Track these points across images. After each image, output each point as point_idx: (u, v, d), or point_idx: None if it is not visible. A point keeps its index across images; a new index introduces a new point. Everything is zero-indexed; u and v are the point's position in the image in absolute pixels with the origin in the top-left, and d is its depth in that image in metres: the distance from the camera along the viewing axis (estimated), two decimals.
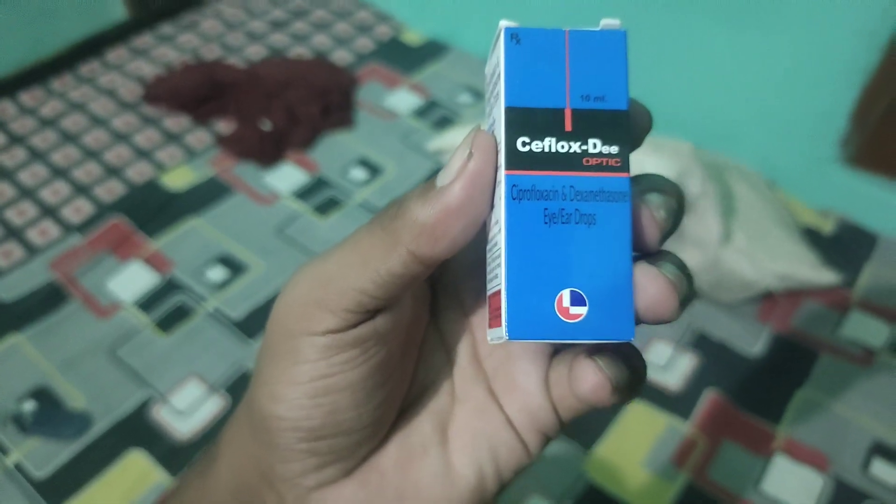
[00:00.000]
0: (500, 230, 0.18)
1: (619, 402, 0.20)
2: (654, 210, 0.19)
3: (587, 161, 0.18)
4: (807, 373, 0.78)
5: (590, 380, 0.20)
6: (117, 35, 1.20)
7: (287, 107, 1.05)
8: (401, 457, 0.23)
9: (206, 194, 0.96)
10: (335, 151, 1.02)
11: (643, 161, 0.76)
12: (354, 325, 0.20)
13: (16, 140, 1.03)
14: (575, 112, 0.18)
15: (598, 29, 0.19)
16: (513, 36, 0.19)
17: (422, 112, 1.08)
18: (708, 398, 0.76)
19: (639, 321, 0.19)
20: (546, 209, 0.18)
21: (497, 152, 0.18)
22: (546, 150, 0.18)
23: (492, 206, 0.19)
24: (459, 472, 0.22)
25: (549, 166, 0.18)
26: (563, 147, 0.18)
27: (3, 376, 0.77)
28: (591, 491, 0.69)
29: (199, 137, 1.04)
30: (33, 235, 0.91)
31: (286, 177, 0.99)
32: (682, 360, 0.79)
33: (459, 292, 0.23)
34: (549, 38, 0.19)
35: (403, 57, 1.18)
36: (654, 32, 0.96)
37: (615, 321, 0.18)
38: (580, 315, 0.18)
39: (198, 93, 1.07)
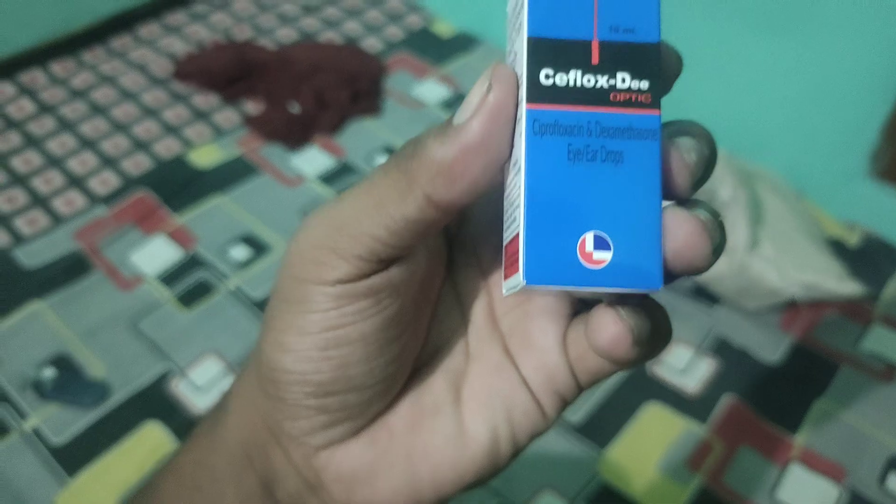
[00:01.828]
0: (519, 170, 0.17)
1: (639, 357, 0.19)
2: (685, 153, 0.18)
3: (615, 96, 0.17)
4: (826, 384, 0.78)
5: (609, 329, 0.18)
6: (150, 11, 1.20)
7: (316, 91, 1.05)
8: (412, 416, 0.22)
9: (233, 173, 0.96)
10: (362, 138, 1.03)
11: None
12: (367, 275, 0.19)
13: (45, 109, 1.03)
14: (603, 44, 0.17)
15: None
16: None
17: (450, 104, 1.08)
18: (726, 403, 0.76)
19: (668, 271, 0.17)
20: (570, 145, 0.17)
21: (518, 86, 0.17)
22: (571, 83, 0.17)
23: (511, 147, 0.18)
24: (472, 434, 0.21)
25: (575, 100, 0.17)
26: (589, 81, 0.17)
27: (24, 342, 0.77)
28: (605, 491, 0.69)
29: (227, 116, 1.05)
30: (59, 205, 0.92)
31: (312, 160, 0.99)
32: (701, 365, 0.78)
33: (477, 249, 0.23)
34: None
35: (433, 48, 1.18)
36: (688, 40, 0.96)
37: (642, 268, 0.17)
38: (604, 261, 0.17)
39: (228, 72, 1.07)
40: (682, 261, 0.17)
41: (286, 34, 1.20)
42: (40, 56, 1.11)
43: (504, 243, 0.19)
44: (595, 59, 0.17)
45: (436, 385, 0.22)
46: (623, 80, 0.17)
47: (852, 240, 0.91)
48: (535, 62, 0.17)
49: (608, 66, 0.17)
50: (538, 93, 0.17)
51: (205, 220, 0.90)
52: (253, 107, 1.06)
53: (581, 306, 0.22)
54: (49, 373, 0.74)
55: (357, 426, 0.21)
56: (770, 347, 0.80)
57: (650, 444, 0.72)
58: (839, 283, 0.78)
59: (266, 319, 0.21)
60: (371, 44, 1.19)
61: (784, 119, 0.94)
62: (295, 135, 1.01)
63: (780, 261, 0.78)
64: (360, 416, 0.21)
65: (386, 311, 0.19)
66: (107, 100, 1.06)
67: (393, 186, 0.18)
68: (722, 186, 0.77)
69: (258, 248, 0.88)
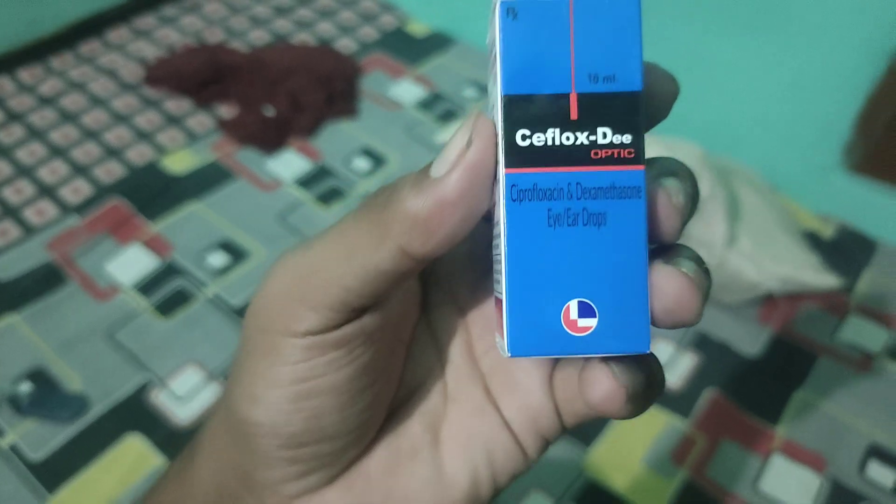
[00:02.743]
0: (500, 234, 0.17)
1: (632, 412, 0.18)
2: (674, 196, 0.17)
3: (596, 154, 0.16)
4: (805, 375, 0.79)
5: (602, 387, 0.17)
6: (119, 15, 1.18)
7: (290, 93, 1.04)
8: (389, 461, 0.21)
9: (208, 179, 0.95)
10: (338, 140, 1.02)
11: None
12: (338, 325, 0.18)
13: (14, 117, 1.01)
14: (581, 97, 0.16)
15: None
16: (509, 10, 0.16)
17: (426, 104, 1.07)
18: (708, 397, 0.76)
19: (657, 326, 0.17)
20: (550, 210, 0.16)
21: (497, 140, 0.17)
22: (549, 143, 0.16)
23: (491, 199, 0.17)
24: (452, 477, 0.21)
25: (553, 162, 0.16)
26: (568, 139, 0.16)
27: None
28: (591, 488, 0.69)
29: (200, 121, 1.03)
30: (30, 215, 0.90)
31: (289, 164, 0.98)
32: (683, 360, 0.79)
33: (453, 286, 0.22)
34: (551, 9, 0.16)
35: (408, 48, 1.17)
36: (662, 39, 0.96)
37: (628, 332, 0.17)
38: (589, 327, 0.16)
39: (200, 76, 1.06)
40: (672, 318, 0.17)
41: (259, 36, 1.18)
42: (7, 63, 1.08)
43: (496, 295, 0.18)
44: (574, 114, 0.16)
45: (413, 427, 0.21)
46: (604, 136, 0.16)
47: (827, 232, 0.93)
48: (511, 123, 0.16)
49: (588, 121, 0.16)
50: (515, 156, 0.16)
51: (181, 228, 0.89)
52: (226, 111, 1.05)
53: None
54: (25, 387, 0.73)
55: (332, 474, 0.21)
56: (749, 341, 0.81)
57: (634, 440, 0.73)
58: (816, 276, 0.79)
59: (233, 370, 0.20)
60: (345, 45, 1.18)
61: (758, 115, 0.95)
62: (270, 138, 1.00)
63: (758, 255, 0.79)
64: (334, 464, 0.20)
65: (358, 360, 0.19)
66: (77, 106, 1.04)
67: (365, 236, 0.17)
68: (700, 184, 0.77)
69: (236, 254, 0.87)
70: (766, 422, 0.75)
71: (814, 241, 0.90)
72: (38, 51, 1.11)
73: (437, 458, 0.21)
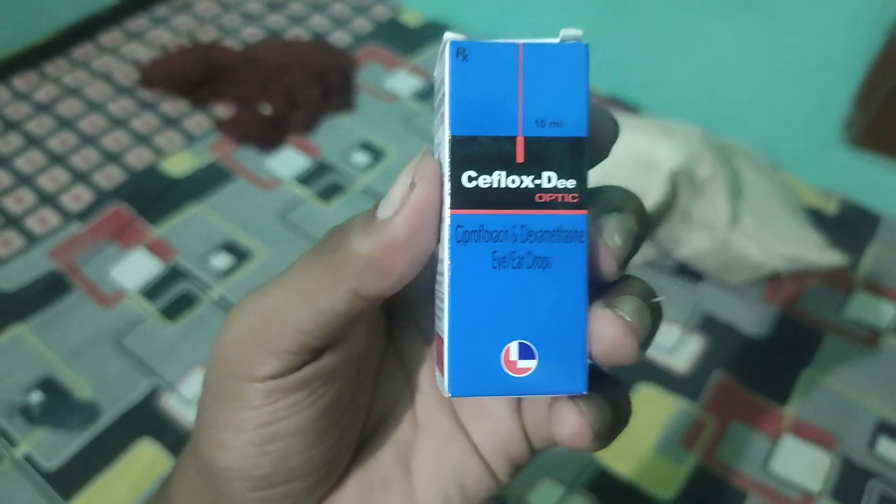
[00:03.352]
0: (443, 274, 0.17)
1: (599, 447, 0.18)
2: (609, 238, 0.17)
3: (540, 197, 0.16)
4: (812, 353, 0.79)
5: (570, 424, 0.18)
6: (111, 17, 1.18)
7: (286, 90, 1.03)
8: (361, 494, 0.21)
9: (207, 180, 0.95)
10: (336, 135, 1.01)
11: (655, 146, 0.76)
12: (299, 367, 0.18)
13: (11, 126, 1.01)
14: (528, 140, 0.16)
15: (556, 41, 0.17)
16: (459, 51, 0.16)
17: (423, 95, 1.07)
18: (716, 380, 0.76)
19: (596, 366, 0.17)
20: (495, 252, 0.16)
21: (442, 181, 0.17)
22: (495, 185, 0.16)
23: (439, 238, 0.17)
24: None
25: (499, 204, 0.16)
26: (514, 182, 0.16)
27: (8, 367, 0.76)
28: (602, 475, 0.70)
29: (197, 122, 1.03)
30: (32, 223, 0.90)
31: (288, 161, 0.98)
32: (689, 343, 0.79)
33: (416, 313, 0.22)
34: (501, 52, 0.16)
35: (402, 38, 1.17)
36: (661, 19, 0.96)
37: (566, 373, 0.17)
38: (528, 369, 0.17)
39: (194, 76, 1.06)
40: (609, 360, 0.17)
41: (252, 33, 1.18)
42: (1, 71, 1.08)
43: (436, 330, 0.19)
44: (520, 157, 0.16)
45: (384, 458, 0.21)
46: (549, 180, 0.16)
47: (830, 208, 0.92)
48: (457, 164, 0.16)
49: (533, 165, 0.16)
50: (461, 197, 0.16)
51: (183, 230, 0.89)
52: (223, 110, 1.04)
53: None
54: (36, 397, 0.73)
55: None
56: (755, 321, 0.81)
57: (643, 425, 0.73)
58: (820, 254, 0.79)
59: (199, 415, 0.20)
60: (339, 38, 1.17)
61: (758, 93, 0.94)
62: (268, 136, 0.99)
63: (761, 235, 0.78)
64: (306, 502, 0.20)
65: (322, 399, 0.19)
66: (73, 112, 1.04)
67: (317, 280, 0.17)
68: (700, 165, 0.77)
69: (239, 255, 0.87)
70: (775, 402, 0.75)
71: (817, 217, 0.90)
72: (32, 57, 1.10)
73: (409, 489, 0.21)
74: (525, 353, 0.17)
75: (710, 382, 0.76)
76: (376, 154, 0.99)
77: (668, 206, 0.78)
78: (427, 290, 0.21)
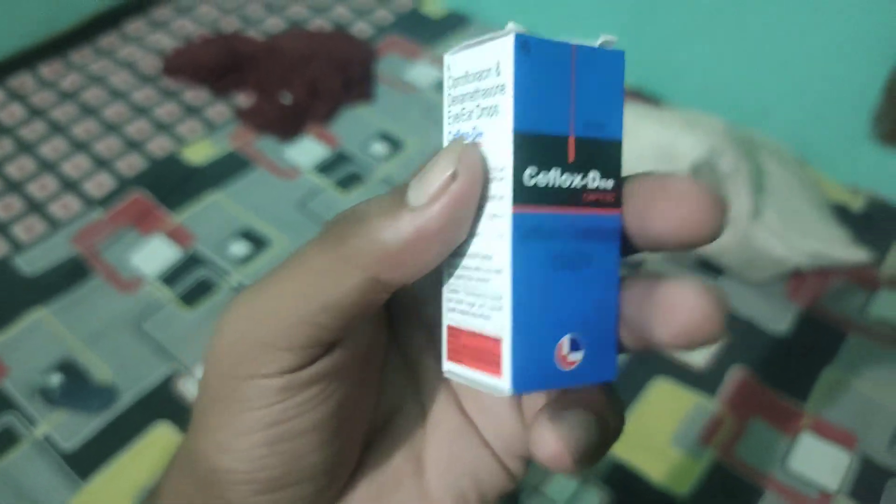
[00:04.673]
0: (501, 272, 0.16)
1: (580, 469, 0.18)
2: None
3: (587, 196, 0.17)
4: (834, 352, 0.77)
5: (549, 447, 0.17)
6: (136, 7, 1.19)
7: (307, 80, 1.03)
8: (372, 495, 0.20)
9: (227, 168, 0.96)
10: (356, 125, 1.02)
11: (676, 139, 0.75)
12: (311, 362, 0.17)
13: (36, 113, 1.03)
14: (578, 140, 0.17)
15: (598, 45, 0.17)
16: (523, 45, 0.16)
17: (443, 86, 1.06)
18: (735, 376, 0.75)
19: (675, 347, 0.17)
20: (551, 250, 0.16)
21: (487, 173, 0.16)
22: (550, 183, 0.16)
23: (472, 232, 0.17)
24: (438, 503, 0.20)
25: (555, 202, 0.16)
26: (566, 180, 0.17)
27: (29, 349, 0.77)
28: (618, 469, 0.69)
29: (218, 111, 1.04)
30: (55, 209, 0.91)
31: (307, 151, 0.98)
32: None
33: (419, 306, 0.21)
34: (557, 51, 0.16)
35: (424, 29, 1.16)
36: (688, 8, 0.94)
37: (601, 363, 0.17)
38: (576, 361, 0.17)
39: (217, 65, 1.06)
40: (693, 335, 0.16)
41: (274, 23, 1.18)
42: (28, 59, 1.09)
43: (450, 323, 0.18)
44: (571, 157, 0.17)
45: (395, 457, 0.21)
46: (594, 180, 0.17)
47: (856, 204, 0.91)
48: (520, 159, 0.16)
49: (582, 164, 0.17)
50: (524, 194, 0.16)
51: (202, 218, 0.90)
52: (244, 99, 1.05)
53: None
54: (56, 379, 0.74)
55: None
56: (777, 318, 0.80)
57: (661, 420, 0.72)
58: (845, 250, 0.78)
59: (196, 419, 0.19)
60: (360, 28, 1.17)
61: (784, 85, 0.93)
62: (288, 126, 1.00)
63: (785, 230, 0.77)
64: None
65: (333, 396, 0.18)
66: (97, 100, 1.05)
67: (331, 269, 0.16)
68: (723, 158, 0.76)
69: (258, 242, 0.87)
70: (795, 400, 0.74)
71: (842, 213, 0.88)
72: (58, 46, 1.12)
73: (422, 487, 0.20)
74: (574, 346, 0.17)
75: (728, 378, 0.75)
76: (395, 145, 0.99)
77: None
78: (430, 281, 0.20)
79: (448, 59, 0.18)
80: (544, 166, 0.16)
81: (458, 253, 0.18)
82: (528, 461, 0.21)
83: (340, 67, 1.06)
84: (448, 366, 0.18)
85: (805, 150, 0.93)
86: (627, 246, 0.18)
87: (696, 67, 0.97)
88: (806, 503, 0.67)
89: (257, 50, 1.08)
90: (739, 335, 0.79)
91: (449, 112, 0.18)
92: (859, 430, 0.71)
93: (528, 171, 0.16)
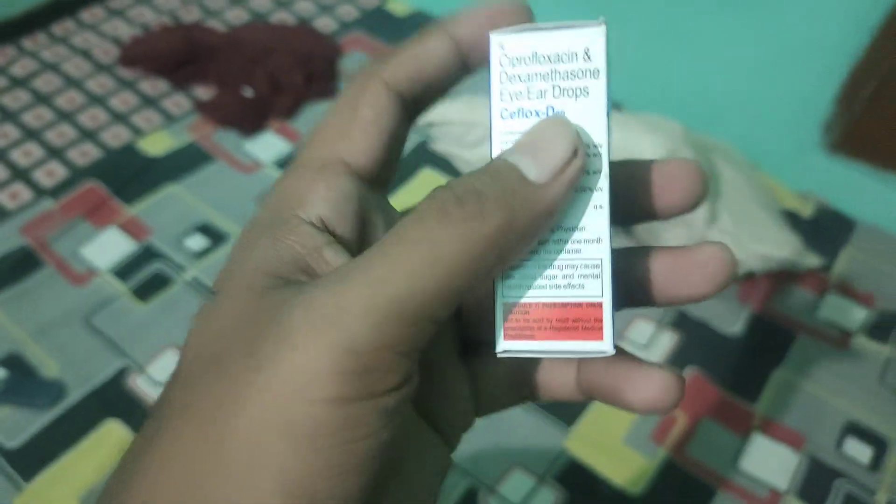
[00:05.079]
0: (595, 240, 0.18)
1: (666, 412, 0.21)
2: None
3: None
4: (784, 353, 0.79)
5: (655, 387, 0.20)
6: None
7: (269, 74, 1.02)
8: None
9: (185, 161, 0.94)
10: (318, 121, 1.00)
11: (639, 139, 0.76)
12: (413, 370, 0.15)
13: None
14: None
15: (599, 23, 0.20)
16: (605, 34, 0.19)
17: None
18: (688, 376, 0.77)
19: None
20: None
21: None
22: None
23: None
24: None
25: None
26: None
27: None
28: (573, 467, 0.70)
29: (177, 102, 1.02)
30: (4, 199, 0.88)
31: (268, 146, 0.96)
32: (662, 339, 0.79)
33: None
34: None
35: (389, 27, 1.16)
36: (642, 15, 0.96)
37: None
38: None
39: (176, 56, 1.04)
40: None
41: (236, 15, 1.16)
42: None
43: (512, 300, 0.18)
44: None
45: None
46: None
47: (806, 210, 0.93)
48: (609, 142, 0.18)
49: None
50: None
51: (158, 210, 0.88)
52: (204, 92, 1.03)
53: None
54: (0, 374, 0.72)
55: None
56: (729, 319, 0.81)
57: (615, 419, 0.73)
58: (795, 255, 0.80)
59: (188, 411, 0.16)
60: (324, 24, 1.16)
61: (738, 91, 0.95)
62: (249, 120, 0.98)
63: (738, 233, 0.79)
64: None
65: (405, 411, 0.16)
66: (50, 87, 1.02)
67: (452, 255, 0.15)
68: None
69: (215, 237, 0.86)
70: (746, 400, 0.75)
71: (793, 219, 0.90)
72: (10, 31, 1.08)
73: None
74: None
75: None
76: None
77: None
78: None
79: (499, 38, 0.19)
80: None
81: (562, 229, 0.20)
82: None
83: (303, 62, 1.05)
84: (506, 345, 0.18)
85: (758, 156, 0.95)
86: (627, 217, 0.20)
87: (651, 73, 0.99)
88: (757, 502, 0.68)
89: (218, 41, 1.07)
90: (693, 336, 0.80)
91: (503, 89, 0.19)
92: (807, 430, 0.73)
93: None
